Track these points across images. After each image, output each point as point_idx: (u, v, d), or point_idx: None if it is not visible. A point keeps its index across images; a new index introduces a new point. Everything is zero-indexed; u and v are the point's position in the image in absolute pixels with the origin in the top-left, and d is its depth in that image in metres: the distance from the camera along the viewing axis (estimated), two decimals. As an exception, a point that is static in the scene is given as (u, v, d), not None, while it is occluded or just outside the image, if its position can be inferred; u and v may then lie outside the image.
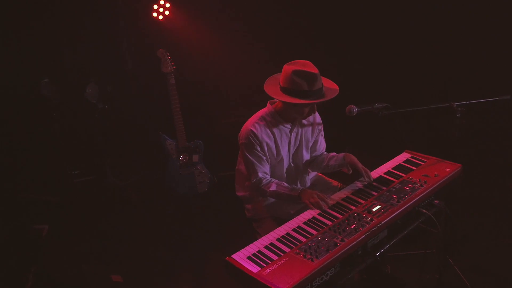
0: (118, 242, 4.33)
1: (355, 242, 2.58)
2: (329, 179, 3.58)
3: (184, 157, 4.63)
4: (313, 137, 3.38)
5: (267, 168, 3.21)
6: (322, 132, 3.44)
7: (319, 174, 3.60)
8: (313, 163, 3.44)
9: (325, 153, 3.46)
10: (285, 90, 3.01)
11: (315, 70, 2.96)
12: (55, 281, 3.86)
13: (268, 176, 3.21)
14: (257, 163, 3.17)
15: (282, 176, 3.31)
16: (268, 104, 3.25)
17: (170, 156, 4.60)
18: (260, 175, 3.17)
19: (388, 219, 2.75)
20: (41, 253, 4.27)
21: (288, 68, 3.00)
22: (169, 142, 4.57)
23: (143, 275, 3.82)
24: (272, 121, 3.19)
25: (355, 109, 3.05)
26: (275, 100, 3.16)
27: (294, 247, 2.59)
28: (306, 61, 3.04)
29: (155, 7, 4.97)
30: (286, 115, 3.18)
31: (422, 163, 3.33)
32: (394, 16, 4.60)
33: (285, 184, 3.16)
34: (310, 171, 3.51)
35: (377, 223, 2.70)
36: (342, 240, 2.58)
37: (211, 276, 3.76)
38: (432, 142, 4.21)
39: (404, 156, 3.45)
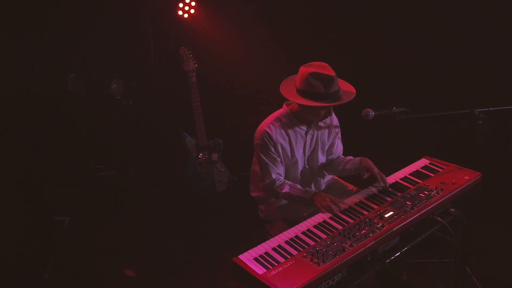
0: (134, 237, 4.39)
1: (364, 248, 2.54)
2: (345, 182, 3.55)
3: (204, 155, 4.66)
4: (329, 140, 3.35)
5: (281, 169, 3.19)
6: (339, 135, 3.41)
7: (335, 177, 3.57)
8: (329, 166, 3.41)
9: (342, 156, 3.43)
10: (301, 92, 2.99)
11: (331, 72, 2.93)
12: (71, 272, 3.92)
13: (282, 178, 3.20)
14: (271, 164, 3.16)
15: (296, 178, 3.29)
16: (284, 105, 3.24)
17: (189, 154, 4.63)
18: (273, 176, 3.16)
19: (400, 226, 2.70)
20: (60, 245, 4.36)
21: (304, 70, 2.98)
22: (189, 139, 4.60)
23: (156, 271, 3.85)
24: (288, 123, 3.17)
25: (372, 113, 3.01)
26: (291, 101, 3.13)
27: (302, 250, 2.57)
28: (323, 63, 3.01)
29: (181, 5, 5.00)
30: (302, 117, 3.16)
31: (441, 170, 3.26)
32: (415, 18, 4.50)
33: (299, 186, 3.14)
34: (326, 174, 3.48)
35: (388, 230, 2.66)
36: (351, 245, 2.55)
37: (222, 276, 3.77)
38: (453, 149, 4.11)
39: (422, 162, 3.38)
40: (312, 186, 3.37)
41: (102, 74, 5.28)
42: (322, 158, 3.36)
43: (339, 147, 3.43)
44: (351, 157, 3.34)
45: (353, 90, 3.06)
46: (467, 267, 3.49)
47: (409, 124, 3.13)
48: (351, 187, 3.48)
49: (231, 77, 4.89)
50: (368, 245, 2.57)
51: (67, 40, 4.92)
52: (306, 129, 3.21)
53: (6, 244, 3.98)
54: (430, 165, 3.33)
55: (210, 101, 4.79)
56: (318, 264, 2.42)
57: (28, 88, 4.86)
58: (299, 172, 3.29)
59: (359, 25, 4.75)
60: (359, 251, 2.52)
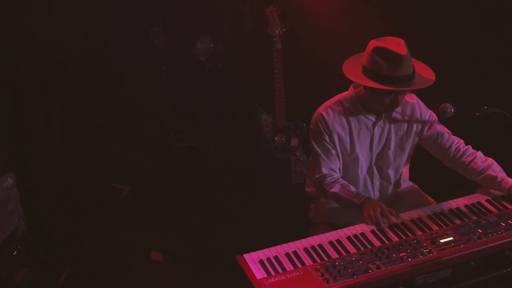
0: (187, 218, 4.72)
1: (393, 274, 2.53)
2: (426, 194, 3.45)
3: (281, 139, 4.76)
4: (409, 138, 3.26)
5: (335, 164, 3.21)
6: (439, 129, 3.21)
7: (415, 185, 3.48)
8: (462, 169, 3.25)
9: (481, 163, 3.15)
10: (365, 71, 2.99)
11: (402, 51, 2.87)
12: (108, 245, 4.33)
13: (336, 175, 3.22)
14: (323, 155, 3.20)
15: (357, 178, 3.29)
16: (350, 88, 3.24)
17: (264, 135, 4.77)
18: (324, 171, 3.20)
19: (453, 256, 2.62)
20: (110, 214, 4.81)
21: (371, 44, 2.97)
22: (265, 117, 4.74)
23: (188, 259, 4.13)
24: (351, 108, 3.17)
25: (451, 110, 2.91)
26: (358, 83, 3.11)
27: (318, 261, 2.63)
28: (398, 39, 2.97)
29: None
30: (368, 104, 3.13)
31: (547, 198, 3.03)
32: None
33: (352, 188, 3.14)
34: (404, 180, 3.42)
35: (435, 258, 2.59)
36: (378, 267, 2.54)
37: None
38: None
39: (527, 184, 3.17)
40: (377, 192, 3.34)
41: (189, 30, 5.60)
42: (398, 159, 3.30)
43: (453, 145, 3.20)
44: (495, 174, 3.09)
45: (432, 76, 2.97)
46: None
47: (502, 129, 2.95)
48: (430, 200, 3.39)
49: (327, 50, 4.87)
50: (400, 272, 2.53)
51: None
52: (374, 120, 3.18)
53: (51, 204, 4.50)
54: (536, 189, 3.10)
55: (298, 74, 4.86)
56: (328, 281, 2.47)
57: (105, 39, 5.31)
58: (361, 172, 3.28)
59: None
60: (385, 276, 2.51)
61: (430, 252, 2.62)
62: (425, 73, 3.00)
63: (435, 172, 4.17)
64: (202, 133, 5.81)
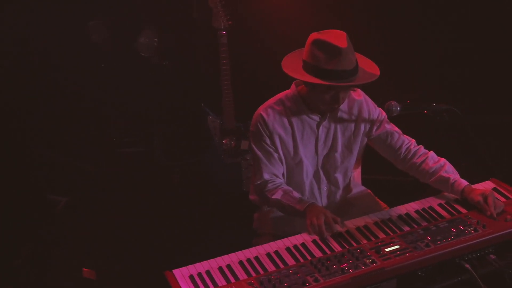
0: (128, 231, 4.72)
1: (332, 286, 2.56)
2: (378, 199, 3.51)
3: (229, 142, 4.78)
4: (357, 139, 3.31)
5: (278, 168, 3.24)
6: (389, 128, 3.27)
7: (368, 190, 3.53)
8: (414, 171, 3.31)
9: (433, 164, 3.21)
10: (304, 65, 3.03)
11: (342, 44, 2.89)
12: (40, 263, 4.30)
13: (279, 180, 3.24)
14: (264, 159, 3.22)
15: (302, 184, 3.32)
16: (292, 85, 3.27)
17: (211, 137, 4.78)
18: (266, 176, 3.23)
19: (397, 265, 2.66)
20: (46, 229, 4.77)
21: (311, 36, 3.00)
22: (212, 118, 4.75)
23: (126, 275, 4.12)
24: (293, 108, 3.20)
25: (397, 108, 2.96)
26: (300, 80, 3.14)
27: (253, 275, 2.65)
28: (340, 31, 3.00)
29: None
30: (311, 103, 3.17)
31: (504, 200, 3.10)
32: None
33: (296, 194, 3.16)
34: (355, 184, 3.46)
35: (378, 268, 2.63)
36: (316, 280, 2.57)
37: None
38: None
39: (483, 186, 3.24)
40: (325, 198, 3.38)
41: (131, 24, 5.58)
42: (346, 161, 3.34)
43: (403, 145, 3.27)
44: (447, 175, 3.15)
45: (377, 71, 3.01)
46: None
47: (454, 127, 3.01)
48: (383, 205, 3.45)
49: (280, 45, 4.88)
50: (340, 284, 2.57)
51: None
52: (318, 120, 3.21)
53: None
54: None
55: (248, 71, 4.88)
56: (261, 297, 2.48)
57: (36, 33, 5.26)
58: (306, 176, 3.31)
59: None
60: (323, 289, 2.53)
61: (373, 262, 2.66)
62: (369, 68, 3.04)
63: (392, 175, 4.21)
64: (148, 137, 5.82)
